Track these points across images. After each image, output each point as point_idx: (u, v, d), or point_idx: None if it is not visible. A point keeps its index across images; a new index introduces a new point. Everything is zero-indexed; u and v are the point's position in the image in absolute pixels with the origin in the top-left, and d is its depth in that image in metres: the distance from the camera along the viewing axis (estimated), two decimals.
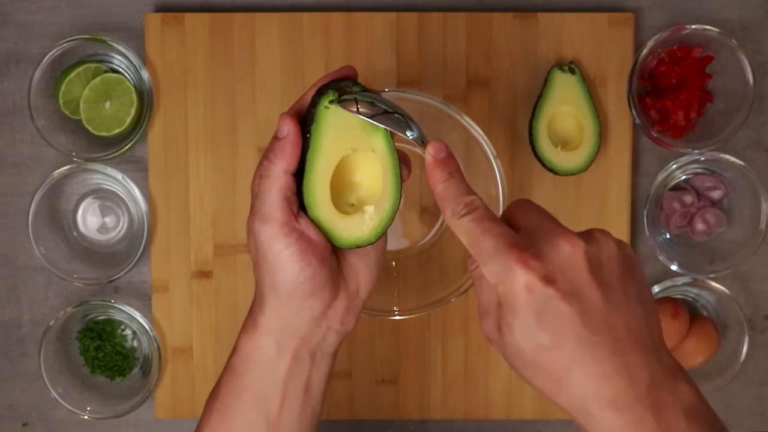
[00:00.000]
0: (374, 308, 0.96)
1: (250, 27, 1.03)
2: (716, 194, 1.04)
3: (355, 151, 0.71)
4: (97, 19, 1.04)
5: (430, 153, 0.68)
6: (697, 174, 1.05)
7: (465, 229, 0.65)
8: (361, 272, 0.73)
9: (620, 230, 1.04)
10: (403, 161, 0.73)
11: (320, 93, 0.70)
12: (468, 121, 0.93)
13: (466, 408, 1.05)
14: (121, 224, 1.06)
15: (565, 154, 1.01)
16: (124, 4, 1.04)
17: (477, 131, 0.93)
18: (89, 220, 1.06)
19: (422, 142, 0.70)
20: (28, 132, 1.04)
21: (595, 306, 0.60)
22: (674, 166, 1.02)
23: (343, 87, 0.71)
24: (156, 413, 1.05)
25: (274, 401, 0.71)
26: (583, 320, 0.60)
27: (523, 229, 0.66)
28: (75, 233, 1.06)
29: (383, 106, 0.70)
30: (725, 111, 1.04)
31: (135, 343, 1.06)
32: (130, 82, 1.02)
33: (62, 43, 0.99)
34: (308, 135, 0.69)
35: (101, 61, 1.03)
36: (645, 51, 1.00)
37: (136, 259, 1.02)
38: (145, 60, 1.03)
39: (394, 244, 1.02)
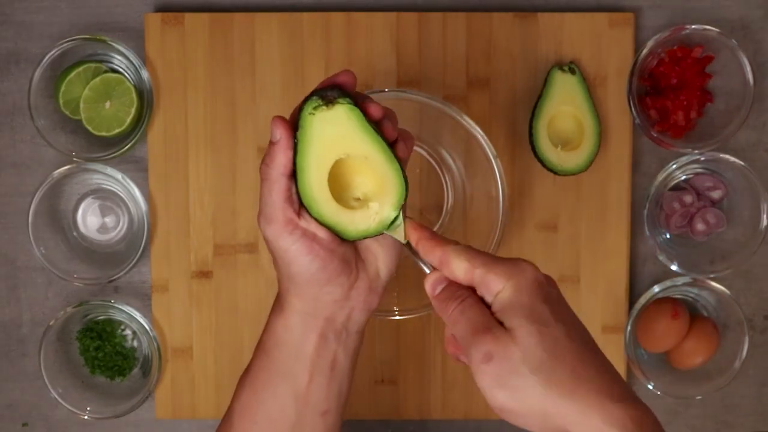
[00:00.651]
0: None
1: (250, 27, 1.03)
2: (716, 194, 1.04)
3: (348, 156, 0.72)
4: (97, 19, 1.04)
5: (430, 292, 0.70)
6: (697, 174, 1.05)
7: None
8: (380, 255, 0.76)
9: (620, 230, 1.04)
10: (402, 138, 0.74)
11: (306, 100, 0.72)
12: (468, 121, 0.93)
13: (466, 408, 1.05)
14: (121, 224, 1.06)
15: (565, 154, 1.01)
16: (124, 4, 1.04)
17: (477, 131, 0.93)
18: (89, 220, 1.06)
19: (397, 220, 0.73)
20: (28, 132, 1.04)
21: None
22: (674, 166, 1.02)
23: (329, 96, 0.71)
24: (156, 413, 1.05)
25: (303, 377, 0.74)
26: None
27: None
28: (75, 233, 1.06)
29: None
30: (725, 111, 1.04)
31: (135, 343, 1.06)
32: (130, 82, 1.02)
33: (62, 43, 0.99)
34: (296, 141, 0.71)
35: (101, 61, 1.03)
36: (645, 51, 1.00)
37: (136, 259, 1.02)
38: (145, 60, 1.03)
39: None
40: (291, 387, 0.74)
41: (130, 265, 1.02)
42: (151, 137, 1.03)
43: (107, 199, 1.06)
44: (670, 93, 1.02)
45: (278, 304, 0.76)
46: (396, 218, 0.73)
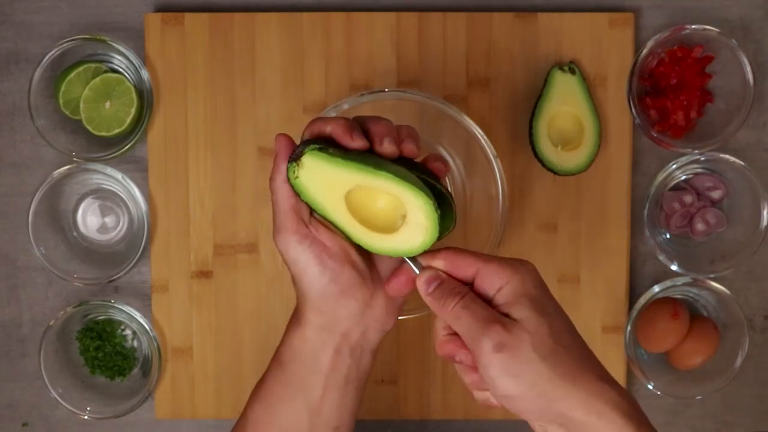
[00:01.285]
0: None
1: (250, 27, 1.03)
2: (716, 194, 1.04)
3: (360, 187, 0.71)
4: (97, 19, 1.04)
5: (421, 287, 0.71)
6: (697, 174, 1.05)
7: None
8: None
9: (620, 230, 1.04)
10: (433, 161, 0.75)
11: (289, 162, 0.72)
12: (468, 121, 0.93)
13: (466, 408, 1.05)
14: (121, 224, 1.06)
15: (565, 154, 1.01)
16: (124, 4, 1.04)
17: (477, 131, 0.93)
18: (89, 220, 1.06)
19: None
20: (28, 132, 1.04)
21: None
22: (674, 166, 1.02)
23: (294, 157, 0.71)
24: (156, 413, 1.05)
25: (317, 391, 0.74)
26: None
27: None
28: (75, 233, 1.06)
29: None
30: (725, 111, 1.04)
31: (135, 343, 1.06)
32: (130, 82, 1.02)
33: (62, 43, 0.99)
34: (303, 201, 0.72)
35: (101, 61, 1.03)
36: (645, 51, 1.00)
37: (136, 259, 1.02)
38: (145, 60, 1.03)
39: None
40: (305, 400, 0.74)
41: (130, 265, 1.02)
42: (151, 137, 1.03)
43: (107, 199, 1.06)
44: (670, 93, 1.02)
45: (295, 317, 0.76)
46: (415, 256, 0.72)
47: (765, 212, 1.00)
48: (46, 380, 1.01)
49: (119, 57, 1.02)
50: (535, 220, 1.04)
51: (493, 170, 0.94)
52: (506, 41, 1.03)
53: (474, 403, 1.05)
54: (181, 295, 1.04)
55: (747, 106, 1.00)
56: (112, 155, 1.01)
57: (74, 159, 1.01)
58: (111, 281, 1.03)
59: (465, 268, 0.69)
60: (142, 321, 1.02)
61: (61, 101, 1.01)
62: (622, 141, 1.04)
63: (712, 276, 1.02)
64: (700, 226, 1.04)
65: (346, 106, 0.93)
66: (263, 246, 1.04)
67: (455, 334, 0.70)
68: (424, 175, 0.74)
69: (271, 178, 0.73)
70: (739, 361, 1.02)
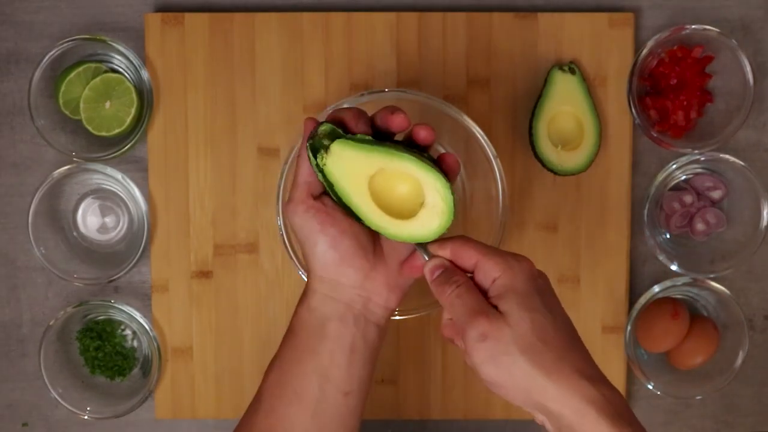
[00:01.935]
0: None
1: (250, 27, 1.03)
2: (716, 194, 1.04)
3: (383, 170, 0.76)
4: (97, 19, 1.04)
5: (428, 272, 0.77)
6: (697, 174, 1.05)
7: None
8: (403, 253, 0.79)
9: (620, 230, 1.04)
10: (450, 159, 0.79)
11: (314, 150, 0.78)
12: (468, 121, 0.93)
13: (466, 408, 1.05)
14: (121, 224, 1.06)
15: (565, 154, 1.01)
16: (124, 4, 1.04)
17: (477, 131, 0.93)
18: (89, 220, 1.06)
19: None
20: (28, 132, 1.04)
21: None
22: (674, 166, 1.02)
23: (321, 146, 0.77)
24: (156, 413, 1.05)
25: (325, 355, 0.78)
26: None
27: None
28: (75, 233, 1.06)
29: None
30: (725, 111, 1.04)
31: (135, 343, 1.06)
32: (130, 82, 1.02)
33: (62, 43, 0.99)
34: (327, 182, 0.77)
35: (101, 61, 1.03)
36: (645, 51, 1.00)
37: (136, 259, 1.02)
38: (145, 60, 1.03)
39: None
40: (316, 364, 0.77)
41: (130, 265, 1.02)
42: (151, 137, 1.03)
43: (107, 199, 1.06)
44: (670, 93, 1.02)
45: (304, 292, 0.80)
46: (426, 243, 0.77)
47: (765, 212, 1.00)
48: (46, 380, 1.01)
49: (119, 57, 1.02)
50: (535, 220, 1.04)
51: (493, 170, 0.94)
52: (506, 41, 1.03)
53: (474, 403, 1.05)
54: (181, 295, 1.04)
55: (747, 106, 1.00)
56: (112, 155, 1.01)
57: (74, 159, 1.01)
58: (111, 281, 1.03)
59: (468, 258, 0.75)
60: (142, 321, 1.02)
61: (61, 101, 1.01)
62: (622, 141, 1.04)
63: (712, 276, 1.02)
64: (700, 226, 1.04)
65: (346, 106, 0.93)
66: (263, 246, 1.04)
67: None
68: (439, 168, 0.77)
69: (298, 155, 0.79)
70: (739, 361, 1.02)
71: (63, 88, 1.01)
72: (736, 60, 1.00)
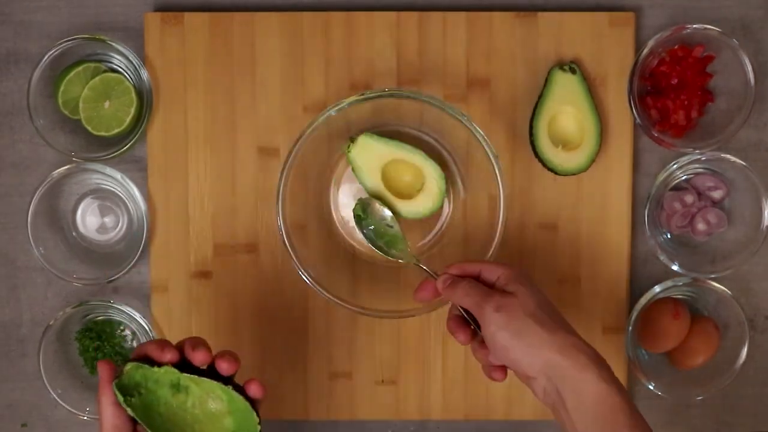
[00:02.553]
0: (374, 309, 0.96)
1: (250, 27, 1.03)
2: (717, 194, 1.04)
3: (395, 161, 0.98)
4: (97, 18, 1.04)
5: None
6: (698, 174, 1.05)
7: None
8: None
9: (621, 230, 1.04)
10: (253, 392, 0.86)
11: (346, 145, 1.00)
12: (468, 121, 0.93)
13: (466, 408, 1.05)
14: (120, 224, 1.06)
15: (566, 154, 1.01)
16: (124, 3, 1.04)
17: (477, 131, 0.93)
18: (88, 220, 1.06)
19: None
20: (27, 132, 1.04)
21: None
22: (675, 166, 1.02)
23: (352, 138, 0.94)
24: None
25: None
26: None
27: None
28: (74, 233, 1.06)
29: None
30: (726, 110, 1.04)
31: (134, 343, 1.06)
32: (129, 81, 1.01)
33: (61, 43, 0.99)
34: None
35: (101, 61, 1.03)
36: (646, 50, 1.00)
37: (135, 259, 1.02)
38: (144, 60, 1.02)
39: None
40: None
41: (130, 265, 1.02)
42: (151, 137, 1.03)
43: (106, 199, 1.06)
44: (671, 92, 1.02)
45: None
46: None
47: (766, 212, 1.00)
48: (45, 380, 1.01)
49: (119, 57, 1.02)
50: (535, 220, 1.04)
51: (493, 170, 0.93)
52: (506, 41, 1.03)
53: (474, 403, 1.05)
54: (181, 296, 1.04)
55: (748, 105, 1.00)
56: (112, 155, 1.01)
57: (73, 159, 1.01)
58: (110, 281, 1.02)
59: (471, 270, 0.91)
60: (141, 321, 1.02)
61: (60, 101, 1.01)
62: (623, 141, 1.03)
63: (713, 276, 1.02)
64: (701, 226, 1.04)
65: (346, 106, 0.93)
66: (263, 246, 1.04)
67: (459, 317, 0.90)
68: (238, 391, 0.84)
69: (97, 400, 0.82)
70: (740, 362, 1.02)
71: (62, 87, 1.01)
72: (737, 59, 0.99)
